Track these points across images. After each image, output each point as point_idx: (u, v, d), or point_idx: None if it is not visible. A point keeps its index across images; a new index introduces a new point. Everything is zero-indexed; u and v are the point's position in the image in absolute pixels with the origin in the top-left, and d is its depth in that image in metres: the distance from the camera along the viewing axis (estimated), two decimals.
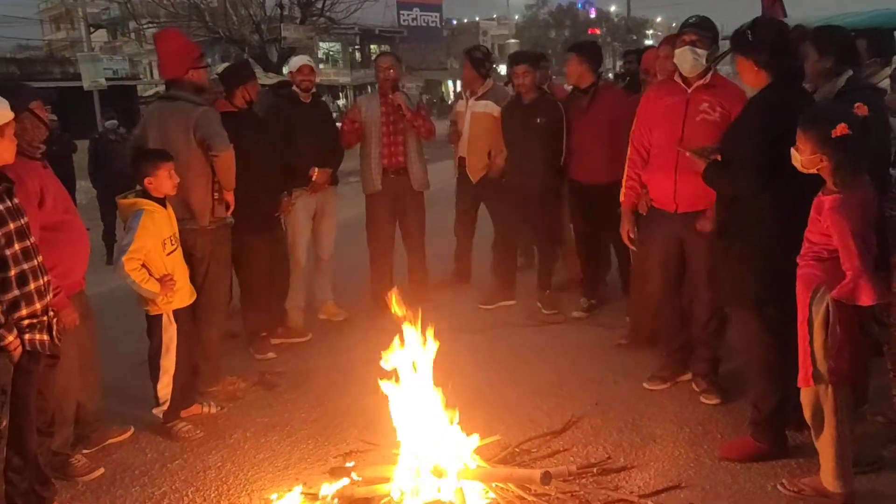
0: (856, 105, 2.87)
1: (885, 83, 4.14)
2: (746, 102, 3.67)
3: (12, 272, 2.93)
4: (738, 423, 3.82)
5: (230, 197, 4.56)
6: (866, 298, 2.84)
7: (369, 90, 7.04)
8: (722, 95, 3.94)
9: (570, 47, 5.67)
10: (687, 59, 3.92)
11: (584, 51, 5.47)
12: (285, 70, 5.76)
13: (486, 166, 6.02)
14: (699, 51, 3.89)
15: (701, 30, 3.93)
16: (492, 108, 5.97)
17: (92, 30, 26.63)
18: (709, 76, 3.98)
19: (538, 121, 5.65)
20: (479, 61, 6.08)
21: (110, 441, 4.07)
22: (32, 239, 3.06)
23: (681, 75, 4.04)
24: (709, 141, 3.72)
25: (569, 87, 6.62)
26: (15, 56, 33.00)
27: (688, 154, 3.62)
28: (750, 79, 3.46)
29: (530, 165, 5.68)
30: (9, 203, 2.97)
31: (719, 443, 3.69)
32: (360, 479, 3.38)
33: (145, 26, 25.17)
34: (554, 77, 7.57)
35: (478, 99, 6.04)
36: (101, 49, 29.87)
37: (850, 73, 3.55)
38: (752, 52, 3.38)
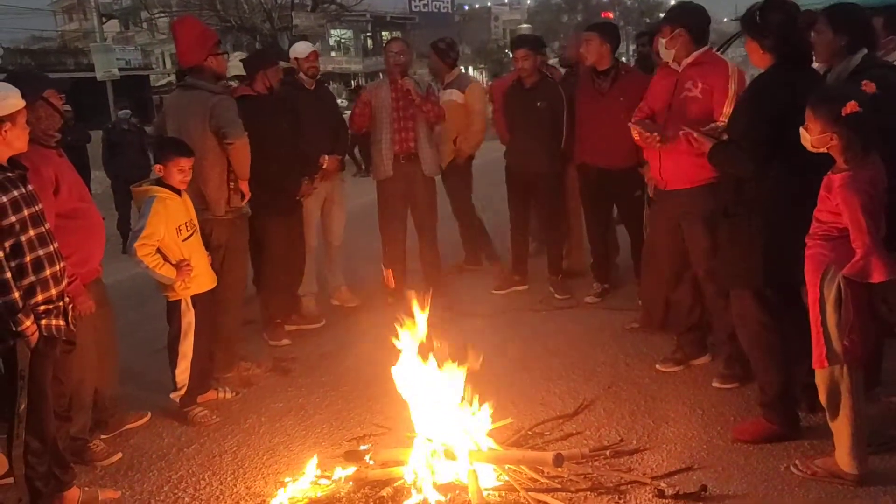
0: (863, 83, 2.85)
1: None
2: (750, 83, 3.66)
3: (28, 258, 2.98)
4: (751, 405, 3.81)
5: (245, 186, 4.58)
6: (878, 275, 2.83)
7: (381, 77, 7.10)
8: (706, 72, 4.05)
9: (591, 26, 5.60)
10: (658, 49, 4.24)
11: (606, 30, 5.40)
12: (292, 56, 5.72)
13: (452, 151, 6.12)
14: (661, 40, 4.16)
15: (665, 21, 4.20)
16: (456, 95, 6.13)
17: (104, 20, 26.67)
18: (696, 55, 4.07)
19: (539, 104, 5.68)
20: (444, 52, 6.30)
21: (128, 426, 4.12)
22: (47, 225, 3.10)
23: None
24: (692, 117, 3.75)
25: (562, 69, 6.64)
26: (29, 47, 33.17)
27: (695, 135, 3.61)
28: (756, 60, 3.47)
29: (533, 149, 5.71)
30: (23, 190, 3.01)
31: (732, 425, 3.69)
32: (373, 462, 3.41)
33: (157, 16, 25.25)
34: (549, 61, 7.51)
35: (445, 88, 6.09)
36: (113, 39, 29.97)
37: (865, 51, 3.51)
38: (758, 33, 3.38)
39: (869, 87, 2.83)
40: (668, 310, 4.83)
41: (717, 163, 3.58)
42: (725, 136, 3.59)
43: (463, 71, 6.40)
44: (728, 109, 3.90)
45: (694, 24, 4.07)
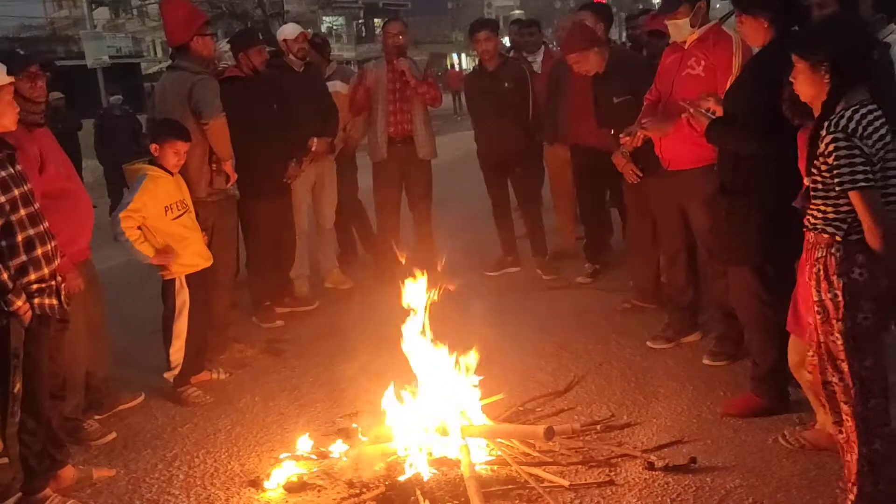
0: None
1: (893, 38, 4.11)
2: (749, 59, 3.65)
3: (19, 237, 2.98)
4: (741, 381, 3.85)
5: (229, 168, 4.58)
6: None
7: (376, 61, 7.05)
8: (710, 49, 3.96)
9: (583, 6, 5.61)
10: (673, 32, 4.08)
11: (599, 10, 5.38)
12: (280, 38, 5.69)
13: (342, 139, 6.07)
14: (678, 22, 3.99)
15: (673, 4, 4.00)
16: (339, 86, 6.13)
17: (94, 7, 26.48)
18: (701, 31, 3.98)
19: (506, 85, 5.71)
20: (320, 47, 6.32)
21: (122, 407, 4.15)
22: (37, 205, 3.10)
23: None
24: (694, 95, 3.72)
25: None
26: (18, 35, 32.89)
27: (692, 111, 3.61)
28: (753, 38, 3.43)
29: (504, 130, 5.76)
30: (11, 170, 3.01)
31: (721, 400, 3.73)
32: (366, 438, 3.44)
33: (148, 3, 25.07)
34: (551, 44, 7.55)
35: (326, 80, 6.07)
36: (103, 27, 29.72)
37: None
38: (759, 10, 3.34)
39: None
40: (660, 284, 4.91)
41: (716, 140, 3.57)
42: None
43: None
44: (728, 85, 3.77)
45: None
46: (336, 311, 5.54)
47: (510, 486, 3.08)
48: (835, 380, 2.64)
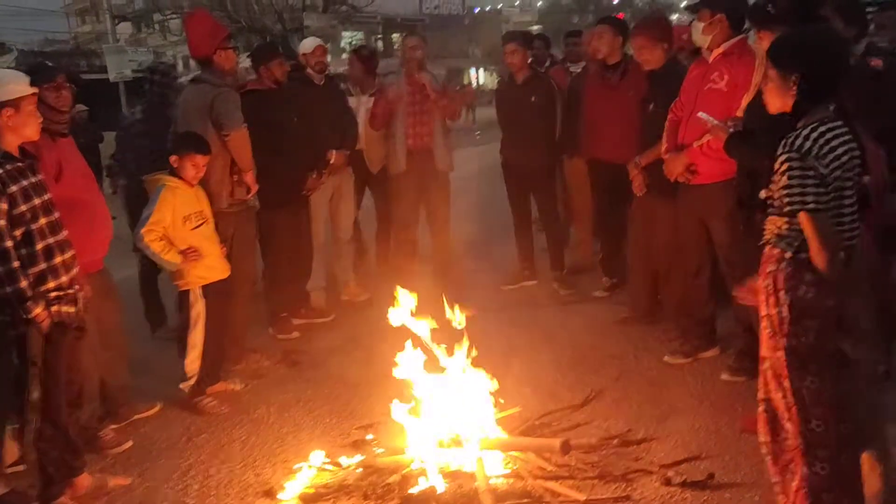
0: (871, 60, 2.85)
1: None
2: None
3: (39, 246, 3.02)
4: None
5: (250, 178, 4.61)
6: None
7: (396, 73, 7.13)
8: (733, 64, 3.94)
9: (602, 19, 5.63)
10: (692, 32, 4.09)
11: (618, 24, 5.40)
12: (300, 52, 5.75)
13: (383, 157, 6.03)
14: (698, 24, 4.00)
15: (699, 3, 4.01)
16: None
17: (117, 22, 26.84)
18: (727, 46, 3.96)
19: (532, 99, 5.71)
20: (367, 59, 6.32)
21: (138, 416, 4.16)
22: (57, 214, 3.13)
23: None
24: (716, 109, 3.71)
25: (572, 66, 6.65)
26: (43, 49, 33.40)
27: (710, 124, 3.59)
28: None
29: (528, 143, 5.76)
30: (33, 179, 3.05)
31: (740, 416, 3.68)
32: (381, 450, 3.43)
33: (169, 18, 25.40)
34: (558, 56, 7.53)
35: (371, 95, 6.06)
36: (126, 41, 30.11)
37: (867, 40, 3.52)
38: (777, 24, 3.32)
39: (876, 62, 2.83)
40: (656, 301, 4.97)
41: (735, 153, 3.56)
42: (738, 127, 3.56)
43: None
44: (745, 102, 3.81)
45: (734, 9, 3.93)
46: (352, 323, 5.54)
47: (525, 500, 3.06)
48: (778, 396, 2.60)
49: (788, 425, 2.58)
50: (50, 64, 4.34)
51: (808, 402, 2.51)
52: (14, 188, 2.95)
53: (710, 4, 3.96)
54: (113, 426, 3.99)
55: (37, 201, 3.03)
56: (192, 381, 4.20)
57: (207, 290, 4.18)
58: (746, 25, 3.94)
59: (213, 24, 4.77)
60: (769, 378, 2.63)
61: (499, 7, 58.10)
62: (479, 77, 52.55)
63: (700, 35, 4.00)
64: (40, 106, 3.20)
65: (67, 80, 3.60)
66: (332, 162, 5.55)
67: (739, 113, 3.83)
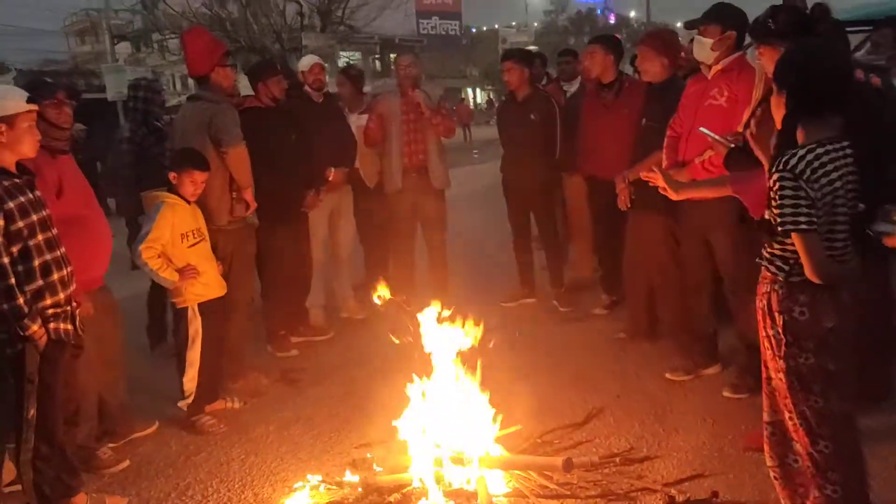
0: (871, 76, 2.85)
1: None
2: (768, 90, 3.64)
3: (36, 262, 2.99)
4: (762, 413, 3.76)
5: (249, 196, 4.59)
6: None
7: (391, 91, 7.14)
8: (733, 80, 3.94)
9: (593, 39, 5.65)
10: (695, 48, 4.05)
11: (609, 43, 5.42)
12: (299, 70, 5.78)
13: (379, 172, 6.04)
14: (703, 39, 3.96)
15: (705, 19, 3.98)
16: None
17: (116, 42, 26.97)
18: (726, 62, 3.97)
19: (532, 117, 5.73)
20: (356, 78, 6.38)
21: (136, 435, 4.12)
22: (54, 230, 3.12)
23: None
24: (716, 125, 3.70)
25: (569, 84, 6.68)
26: (42, 69, 33.51)
27: (710, 139, 3.59)
28: (772, 68, 3.43)
29: (528, 161, 5.77)
30: (30, 195, 3.03)
31: (743, 433, 3.66)
32: (381, 468, 3.39)
33: (168, 37, 25.52)
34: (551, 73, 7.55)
35: (361, 113, 6.11)
36: (125, 61, 30.24)
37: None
38: (777, 39, 3.32)
39: (876, 80, 2.83)
40: (654, 319, 4.96)
41: (735, 168, 3.55)
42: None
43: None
44: (746, 117, 3.83)
45: (741, 28, 3.93)
46: (351, 340, 5.52)
47: None
48: (785, 418, 2.57)
49: (798, 447, 2.55)
50: (50, 80, 4.32)
51: (814, 423, 2.48)
52: (11, 204, 2.93)
53: (722, 22, 3.94)
54: (110, 445, 3.95)
55: (34, 217, 3.01)
56: (190, 400, 4.17)
57: (204, 307, 4.16)
58: (747, 41, 3.94)
59: (211, 41, 4.77)
60: (776, 399, 2.60)
61: (495, 27, 58.48)
62: (475, 96, 52.82)
63: (708, 51, 3.97)
64: (41, 123, 3.19)
65: (67, 96, 3.59)
66: (330, 179, 5.55)
67: (740, 128, 3.82)
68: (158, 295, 5.24)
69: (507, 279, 6.37)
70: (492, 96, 51.97)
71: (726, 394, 4.11)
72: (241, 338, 4.74)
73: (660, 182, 3.45)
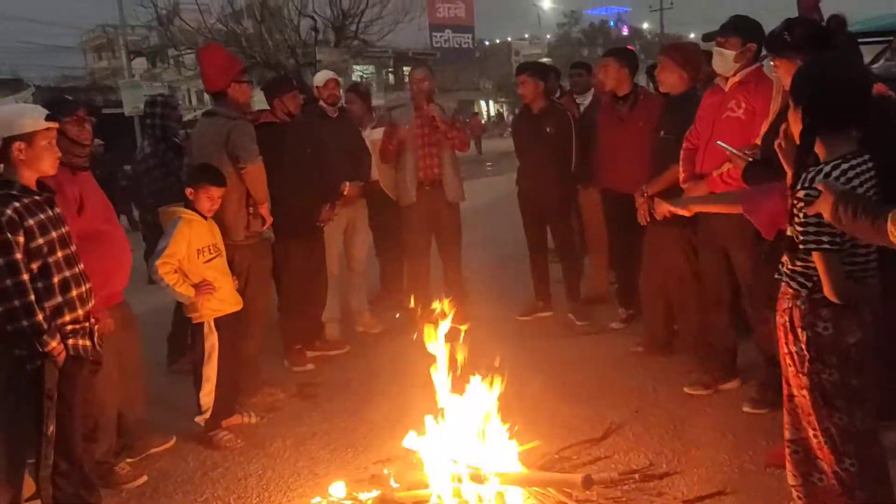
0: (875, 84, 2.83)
1: None
2: (786, 103, 3.62)
3: (55, 279, 3.01)
4: (783, 429, 3.72)
5: (265, 211, 4.61)
6: None
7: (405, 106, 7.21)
8: (750, 92, 3.93)
9: (607, 52, 5.65)
10: (715, 60, 4.01)
11: (623, 55, 5.43)
12: (314, 85, 5.83)
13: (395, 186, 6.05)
14: (725, 52, 3.93)
15: (726, 31, 3.96)
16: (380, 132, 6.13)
17: (132, 58, 27.29)
18: (743, 74, 3.95)
19: (548, 130, 5.73)
20: (365, 95, 6.54)
21: (153, 450, 4.12)
22: (73, 247, 3.14)
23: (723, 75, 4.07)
24: (734, 137, 3.69)
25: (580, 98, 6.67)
26: (60, 85, 33.93)
27: (728, 152, 3.57)
28: (789, 80, 3.41)
29: (543, 174, 5.77)
30: (50, 213, 3.06)
31: (764, 449, 3.62)
32: (398, 485, 3.38)
33: (184, 53, 25.78)
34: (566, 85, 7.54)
35: (374, 128, 6.19)
36: (141, 76, 30.60)
37: None
38: (793, 52, 3.31)
39: (880, 87, 2.81)
40: (672, 334, 4.92)
41: (752, 182, 3.53)
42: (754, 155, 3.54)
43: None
44: (764, 129, 3.78)
45: (759, 40, 3.90)
46: (367, 354, 5.51)
47: None
48: (809, 435, 2.53)
49: (823, 465, 2.51)
50: (70, 98, 4.37)
51: (839, 440, 2.45)
52: (31, 221, 2.95)
53: (743, 34, 3.93)
54: (128, 460, 3.96)
55: (53, 234, 3.03)
56: (207, 415, 4.17)
57: (220, 322, 4.17)
58: (763, 53, 3.93)
59: (228, 57, 4.82)
60: (799, 417, 2.57)
61: (508, 40, 58.69)
62: (489, 109, 52.92)
63: (731, 63, 3.94)
64: (62, 140, 3.22)
65: (88, 113, 3.62)
66: (345, 193, 5.57)
67: (757, 140, 3.81)
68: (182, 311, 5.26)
69: (522, 292, 6.35)
70: (504, 109, 52.07)
71: (746, 409, 4.06)
72: (257, 353, 4.75)
73: (669, 210, 3.43)
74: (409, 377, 3.51)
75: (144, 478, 3.84)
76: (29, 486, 3.38)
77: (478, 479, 3.17)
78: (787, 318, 2.50)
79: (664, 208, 3.76)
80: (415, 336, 3.40)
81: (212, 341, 4.14)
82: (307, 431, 4.29)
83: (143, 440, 4.10)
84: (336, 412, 4.53)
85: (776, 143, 2.60)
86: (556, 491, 3.23)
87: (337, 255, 5.77)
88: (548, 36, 59.10)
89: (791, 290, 2.49)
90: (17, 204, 2.93)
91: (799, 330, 2.45)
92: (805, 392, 2.47)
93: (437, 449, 3.30)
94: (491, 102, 54.92)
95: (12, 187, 2.97)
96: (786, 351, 2.53)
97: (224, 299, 4.19)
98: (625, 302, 5.83)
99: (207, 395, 4.15)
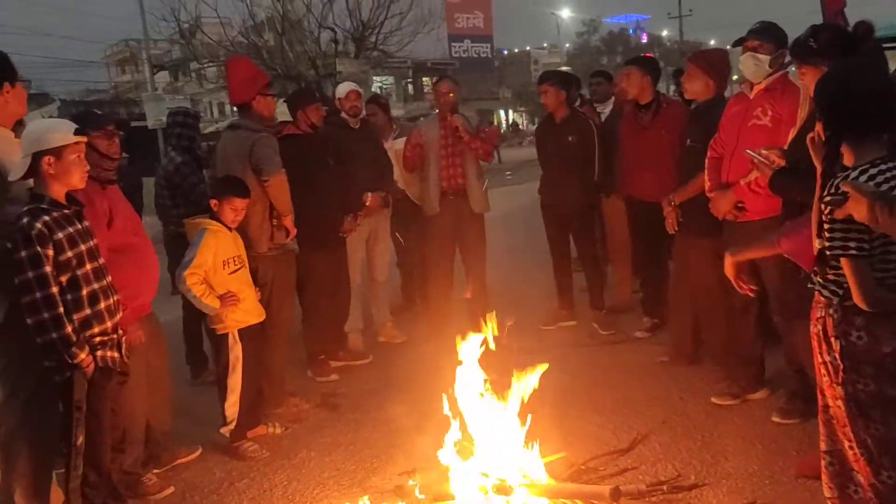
0: None
1: None
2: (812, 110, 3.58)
3: (84, 291, 3.04)
4: (814, 440, 3.61)
5: (289, 223, 4.63)
6: None
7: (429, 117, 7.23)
8: (777, 99, 3.89)
9: (630, 60, 5.66)
10: (748, 65, 3.95)
11: (646, 64, 5.43)
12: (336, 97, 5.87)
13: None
14: (760, 56, 3.89)
15: (761, 35, 3.92)
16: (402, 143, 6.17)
17: (155, 71, 27.63)
18: (769, 81, 3.92)
19: (570, 139, 5.72)
20: (386, 107, 6.62)
21: (179, 461, 4.14)
22: (101, 260, 3.17)
23: (750, 82, 4.03)
24: (760, 145, 3.64)
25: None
26: (84, 99, 34.43)
27: (755, 160, 3.54)
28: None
29: (566, 183, 5.76)
30: (79, 226, 3.09)
31: (794, 460, 3.57)
32: (424, 496, 3.36)
33: (206, 66, 26.05)
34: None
35: (396, 138, 6.23)
36: (163, 90, 30.98)
37: None
38: (819, 59, 3.27)
39: None
40: (699, 344, 4.87)
41: (781, 190, 3.49)
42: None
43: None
44: (791, 137, 3.71)
45: (786, 46, 3.86)
46: (390, 365, 5.51)
47: None
48: (845, 447, 2.48)
49: (859, 478, 2.47)
50: (99, 112, 4.43)
51: (876, 452, 2.40)
52: (60, 235, 2.98)
53: (775, 40, 3.90)
54: (155, 471, 3.97)
55: (82, 248, 3.07)
56: (232, 426, 4.18)
57: (244, 333, 4.18)
58: (787, 60, 3.89)
59: (255, 70, 4.87)
60: (834, 428, 2.52)
61: (527, 49, 58.71)
62: (508, 118, 52.91)
63: (766, 69, 3.90)
64: (91, 153, 3.25)
65: (116, 127, 3.67)
66: (367, 204, 5.59)
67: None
68: (193, 322, 5.29)
69: (545, 302, 6.32)
70: (523, 118, 52.02)
71: (776, 419, 4.01)
72: (281, 363, 4.77)
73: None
74: (432, 387, 3.49)
75: (171, 489, 3.86)
76: (57, 496, 3.41)
77: (504, 490, 3.15)
78: (820, 327, 2.46)
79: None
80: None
81: (236, 352, 4.16)
82: (331, 442, 4.29)
83: (169, 451, 4.12)
84: (360, 422, 4.53)
85: (809, 136, 2.57)
86: (584, 503, 3.20)
87: (359, 265, 5.79)
88: (567, 44, 59.01)
89: (824, 299, 2.45)
90: (46, 217, 2.96)
91: (832, 339, 2.41)
92: (840, 402, 2.43)
93: (463, 460, 3.29)
94: (510, 111, 54.93)
95: (42, 201, 3.01)
96: (820, 361, 2.49)
97: (248, 310, 4.21)
98: (649, 311, 5.78)
99: (232, 406, 4.16)
